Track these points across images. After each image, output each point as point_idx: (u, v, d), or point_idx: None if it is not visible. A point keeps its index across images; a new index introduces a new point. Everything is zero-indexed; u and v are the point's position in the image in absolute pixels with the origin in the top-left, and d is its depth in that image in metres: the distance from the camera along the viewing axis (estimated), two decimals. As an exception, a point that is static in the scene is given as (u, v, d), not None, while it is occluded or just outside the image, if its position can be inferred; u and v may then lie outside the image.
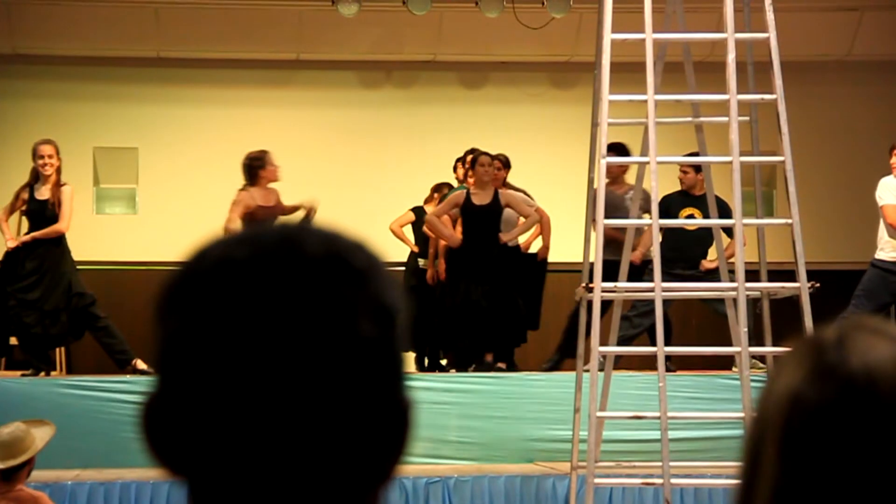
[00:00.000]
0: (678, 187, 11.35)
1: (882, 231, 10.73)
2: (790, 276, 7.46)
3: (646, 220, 8.11)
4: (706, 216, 10.80)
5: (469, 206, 11.04)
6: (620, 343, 8.94)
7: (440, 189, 12.31)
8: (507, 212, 11.19)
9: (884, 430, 1.11)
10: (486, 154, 11.36)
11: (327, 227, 1.15)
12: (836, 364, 1.13)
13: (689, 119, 8.03)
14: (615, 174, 10.82)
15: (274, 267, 1.10)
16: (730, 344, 7.73)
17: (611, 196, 10.68)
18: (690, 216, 11.01)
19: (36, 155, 10.89)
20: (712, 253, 10.62)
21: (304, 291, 1.10)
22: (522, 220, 11.35)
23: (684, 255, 10.79)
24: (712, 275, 10.84)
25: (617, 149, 9.81)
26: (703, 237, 10.96)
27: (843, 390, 1.12)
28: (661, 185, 10.43)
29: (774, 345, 7.76)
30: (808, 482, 1.11)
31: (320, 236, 1.13)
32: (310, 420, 1.09)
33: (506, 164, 11.79)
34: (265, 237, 1.13)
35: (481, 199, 11.02)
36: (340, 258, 1.12)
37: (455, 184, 12.21)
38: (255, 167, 10.85)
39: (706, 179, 8.42)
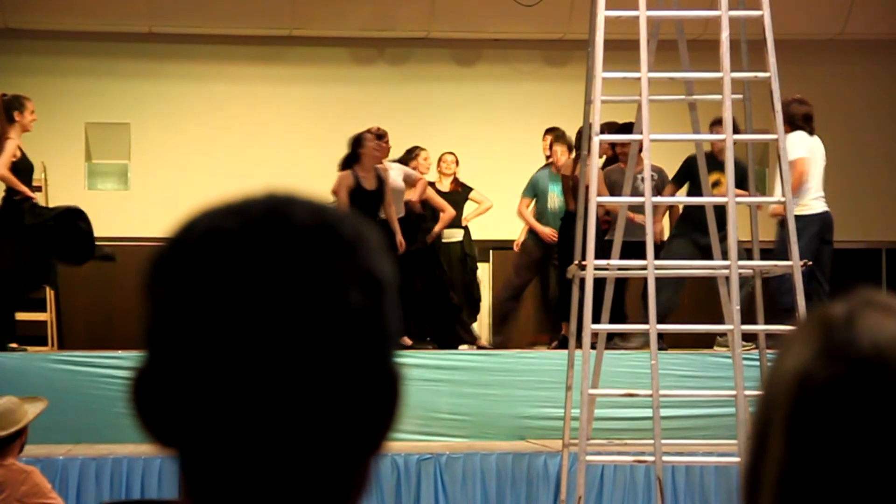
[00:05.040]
0: (674, 166, 11.34)
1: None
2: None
3: (638, 198, 8.10)
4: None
5: (359, 190, 11.07)
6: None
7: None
8: (396, 183, 11.47)
9: (893, 410, 1.10)
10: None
11: (315, 197, 1.15)
12: (846, 343, 1.11)
13: (683, 97, 8.02)
14: (626, 153, 10.77)
15: (263, 237, 1.10)
16: (721, 321, 7.73)
17: (616, 175, 10.67)
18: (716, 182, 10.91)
19: None
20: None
21: (292, 262, 1.09)
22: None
23: None
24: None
25: (627, 130, 9.76)
26: None
27: (853, 370, 1.10)
28: (660, 163, 10.46)
29: (766, 323, 7.77)
30: (816, 462, 1.10)
31: (308, 207, 1.13)
32: (299, 390, 1.09)
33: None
34: (253, 208, 1.12)
35: (370, 183, 11.10)
36: (329, 228, 1.12)
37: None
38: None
39: (699, 157, 8.41)
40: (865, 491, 1.08)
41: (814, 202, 10.81)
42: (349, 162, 11.30)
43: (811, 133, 11.02)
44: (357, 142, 11.32)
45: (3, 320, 10.83)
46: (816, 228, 10.66)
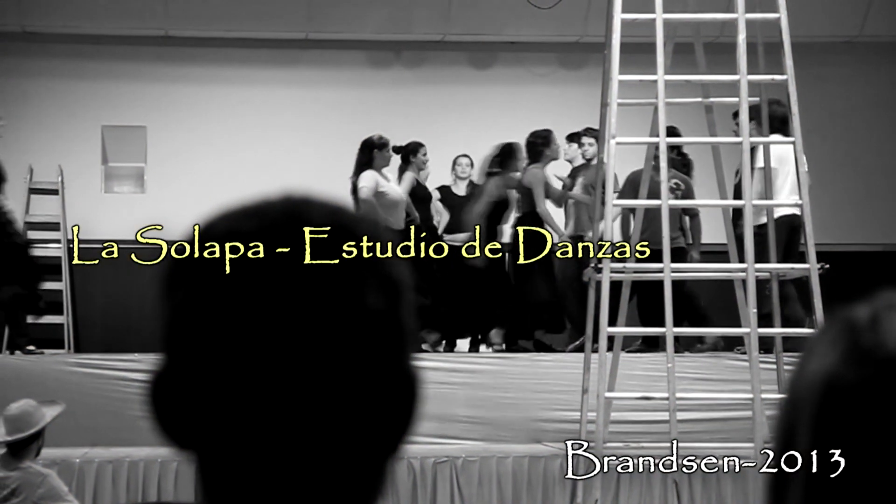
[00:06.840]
0: (686, 167, 11.33)
1: None
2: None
3: (655, 201, 8.08)
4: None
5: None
6: None
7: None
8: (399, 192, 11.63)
9: None
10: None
11: (331, 199, 1.15)
12: (872, 345, 1.11)
13: (699, 100, 8.01)
14: None
15: (280, 239, 1.10)
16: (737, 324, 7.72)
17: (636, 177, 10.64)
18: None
19: None
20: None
21: (310, 264, 1.09)
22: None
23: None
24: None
25: None
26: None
27: (880, 372, 1.10)
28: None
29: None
30: (844, 465, 1.09)
31: (325, 208, 1.13)
32: (317, 392, 1.08)
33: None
34: (270, 210, 1.12)
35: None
36: (346, 230, 1.12)
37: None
38: (539, 144, 11.03)
39: (716, 160, 8.39)
40: (894, 493, 1.08)
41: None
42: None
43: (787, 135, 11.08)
44: (513, 152, 11.41)
45: (14, 322, 10.85)
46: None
